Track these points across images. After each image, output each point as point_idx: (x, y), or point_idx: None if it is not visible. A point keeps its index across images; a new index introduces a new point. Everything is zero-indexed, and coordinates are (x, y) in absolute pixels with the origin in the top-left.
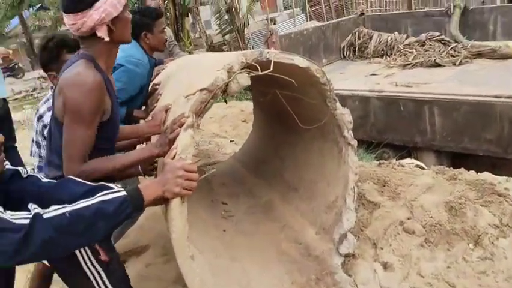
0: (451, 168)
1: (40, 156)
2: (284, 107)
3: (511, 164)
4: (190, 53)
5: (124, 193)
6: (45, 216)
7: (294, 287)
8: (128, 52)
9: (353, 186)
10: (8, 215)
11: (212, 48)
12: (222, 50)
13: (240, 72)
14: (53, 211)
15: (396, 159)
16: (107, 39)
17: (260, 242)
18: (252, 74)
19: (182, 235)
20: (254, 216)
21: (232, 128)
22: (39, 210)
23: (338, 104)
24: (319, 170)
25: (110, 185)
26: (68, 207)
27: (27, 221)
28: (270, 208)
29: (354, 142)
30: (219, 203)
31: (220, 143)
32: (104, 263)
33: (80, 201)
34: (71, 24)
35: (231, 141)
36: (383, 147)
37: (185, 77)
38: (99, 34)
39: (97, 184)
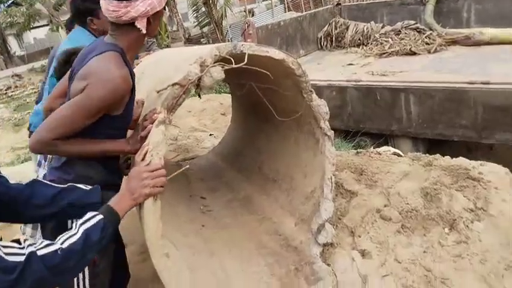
0: (427, 154)
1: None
2: (261, 99)
3: (485, 147)
4: (167, 46)
5: (101, 217)
6: (38, 253)
7: (274, 279)
8: (80, 42)
9: (330, 177)
10: (1, 250)
11: (190, 41)
12: (200, 43)
13: (213, 66)
14: (45, 248)
15: (374, 147)
16: (144, 31)
17: (240, 236)
18: (226, 67)
19: (156, 233)
20: (233, 210)
21: (211, 121)
22: (32, 247)
23: (314, 95)
24: (296, 161)
25: (79, 186)
26: (58, 244)
27: (20, 259)
28: (249, 201)
29: (331, 133)
30: (197, 198)
31: (199, 137)
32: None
33: (66, 237)
34: (112, 11)
35: (210, 134)
36: (361, 136)
37: (158, 72)
38: (138, 26)
39: (64, 186)
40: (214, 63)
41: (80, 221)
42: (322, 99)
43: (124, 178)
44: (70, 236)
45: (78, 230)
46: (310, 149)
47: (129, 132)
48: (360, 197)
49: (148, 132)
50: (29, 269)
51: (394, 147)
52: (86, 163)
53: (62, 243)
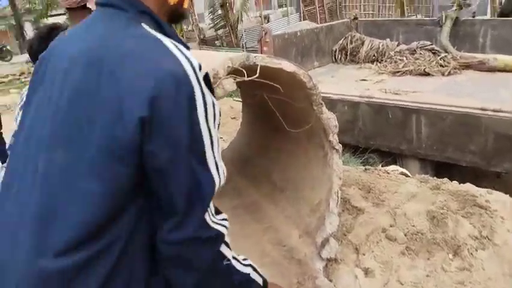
0: (435, 177)
1: None
2: (272, 108)
3: (493, 175)
4: None
5: (262, 280)
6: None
7: None
8: None
9: (337, 191)
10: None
11: (204, 42)
12: (214, 45)
13: (226, 78)
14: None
15: (382, 166)
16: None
17: (244, 245)
18: (238, 79)
19: None
20: (239, 218)
21: (221, 125)
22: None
23: (324, 108)
24: (304, 173)
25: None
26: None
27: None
28: (255, 208)
29: (339, 147)
30: None
31: None
32: None
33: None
34: None
35: (220, 138)
36: (370, 153)
37: None
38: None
39: None
40: (227, 74)
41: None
42: (332, 113)
43: None
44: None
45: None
46: (319, 162)
47: None
48: (367, 215)
49: None
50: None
51: (402, 167)
52: None
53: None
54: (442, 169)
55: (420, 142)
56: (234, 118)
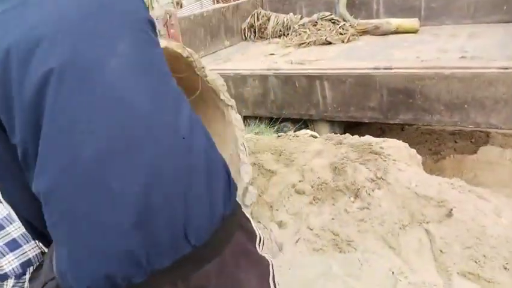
0: (338, 134)
1: None
2: (180, 80)
3: (398, 128)
4: None
5: None
6: None
7: None
8: None
9: (243, 142)
10: None
11: None
12: None
13: None
14: None
15: (294, 131)
16: None
17: None
18: None
19: None
20: None
21: None
22: None
23: (207, 71)
24: (213, 134)
25: None
26: None
27: None
28: None
29: (233, 102)
30: None
31: None
32: None
33: None
34: None
35: None
36: (283, 122)
37: None
38: None
39: None
40: None
41: None
42: (216, 73)
43: None
44: None
45: None
46: (220, 121)
47: None
48: (279, 175)
49: None
50: None
51: (314, 131)
52: None
53: None
54: (351, 129)
55: (326, 106)
56: None
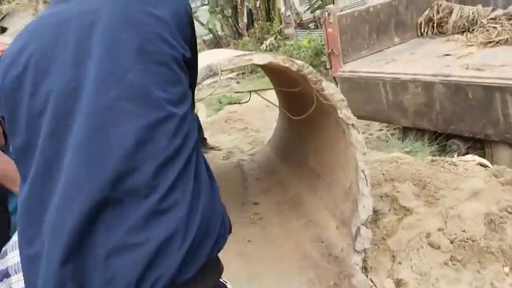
0: None
1: None
2: (298, 93)
3: None
4: (280, 32)
5: None
6: None
7: None
8: None
9: (364, 169)
10: None
11: (300, 25)
12: (309, 28)
13: None
14: None
15: (464, 153)
16: None
17: (286, 245)
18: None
19: None
20: (282, 215)
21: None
22: None
23: (324, 84)
24: (333, 154)
25: None
26: None
27: None
28: (297, 202)
29: (354, 120)
30: (250, 205)
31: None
32: None
33: None
34: None
35: None
36: (451, 138)
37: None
38: None
39: None
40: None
41: None
42: (335, 87)
43: None
44: None
45: None
46: (341, 140)
47: None
48: (414, 216)
49: None
50: None
51: (492, 155)
52: None
53: None
54: None
55: (509, 125)
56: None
